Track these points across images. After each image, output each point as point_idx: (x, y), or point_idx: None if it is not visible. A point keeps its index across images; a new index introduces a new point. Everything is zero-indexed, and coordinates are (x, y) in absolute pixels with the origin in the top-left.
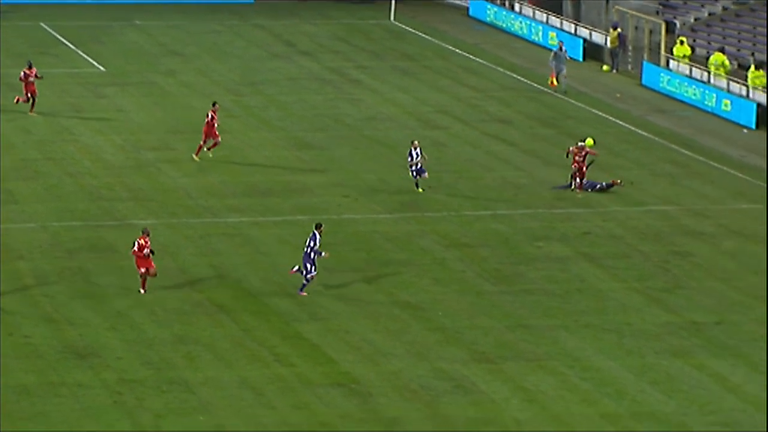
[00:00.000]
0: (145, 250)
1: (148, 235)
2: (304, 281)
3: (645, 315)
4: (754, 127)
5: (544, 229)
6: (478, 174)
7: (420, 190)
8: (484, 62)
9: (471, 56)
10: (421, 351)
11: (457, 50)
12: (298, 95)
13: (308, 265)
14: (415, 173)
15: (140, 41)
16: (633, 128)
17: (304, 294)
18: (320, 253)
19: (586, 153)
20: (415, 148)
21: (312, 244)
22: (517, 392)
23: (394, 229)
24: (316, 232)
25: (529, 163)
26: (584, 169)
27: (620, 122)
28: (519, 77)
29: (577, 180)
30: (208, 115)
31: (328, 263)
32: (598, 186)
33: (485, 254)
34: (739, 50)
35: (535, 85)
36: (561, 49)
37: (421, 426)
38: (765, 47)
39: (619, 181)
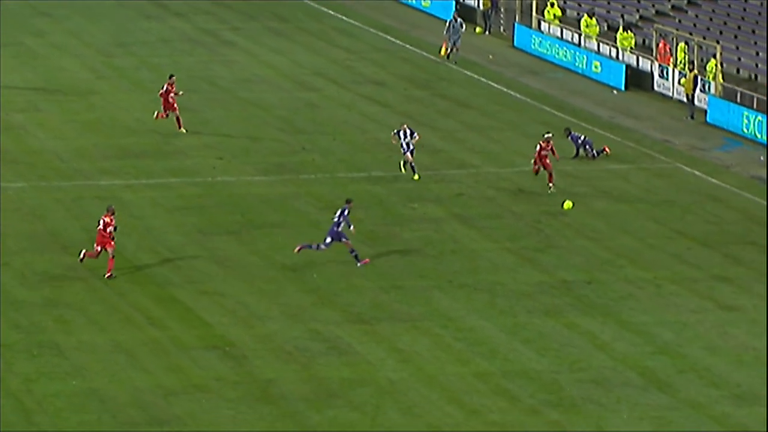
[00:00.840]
0: (109, 228)
1: (113, 214)
2: (352, 252)
3: (517, 275)
4: (623, 88)
5: (418, 190)
6: (352, 136)
7: (416, 177)
8: (358, 24)
9: (345, 18)
10: (296, 313)
11: (330, 12)
12: (171, 57)
13: (330, 238)
14: (404, 152)
15: (9, 2)
16: (505, 89)
17: (367, 261)
18: (350, 225)
19: (552, 147)
20: (405, 131)
21: (340, 218)
22: (391, 353)
23: (268, 191)
24: (347, 206)
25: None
26: (547, 161)
27: (493, 84)
28: (393, 39)
29: (545, 172)
30: (163, 88)
31: (202, 226)
32: (587, 147)
33: (360, 216)
34: (609, 12)
35: (409, 47)
36: (456, 20)
37: (297, 387)
38: (634, 9)
39: (607, 149)
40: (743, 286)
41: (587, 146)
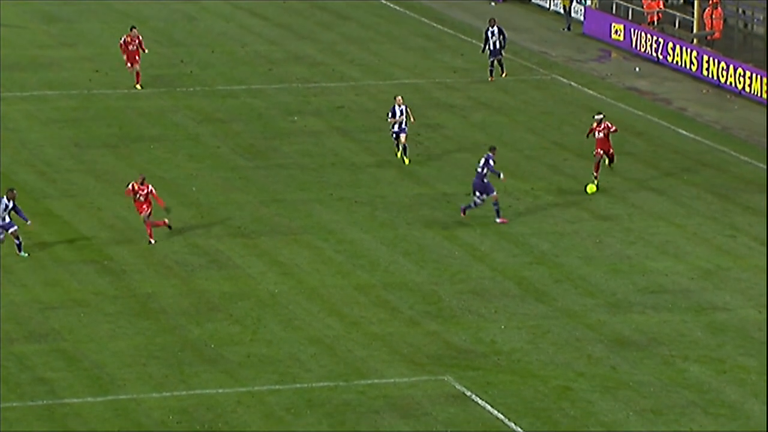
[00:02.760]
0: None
1: (142, 183)
2: (495, 205)
3: (397, 187)
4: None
5: (298, 103)
6: (231, 48)
7: (406, 161)
8: None
9: None
10: (176, 227)
11: None
12: None
13: (478, 192)
14: (395, 134)
15: None
16: (385, 2)
17: (505, 220)
18: (499, 175)
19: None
20: (399, 106)
21: (485, 168)
22: (272, 266)
23: (146, 105)
24: (490, 155)
25: (282, 36)
26: (610, 148)
27: None
28: None
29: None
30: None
31: (79, 139)
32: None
33: (239, 129)
34: None
35: None
36: None
37: (177, 301)
38: None
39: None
40: (618, 196)
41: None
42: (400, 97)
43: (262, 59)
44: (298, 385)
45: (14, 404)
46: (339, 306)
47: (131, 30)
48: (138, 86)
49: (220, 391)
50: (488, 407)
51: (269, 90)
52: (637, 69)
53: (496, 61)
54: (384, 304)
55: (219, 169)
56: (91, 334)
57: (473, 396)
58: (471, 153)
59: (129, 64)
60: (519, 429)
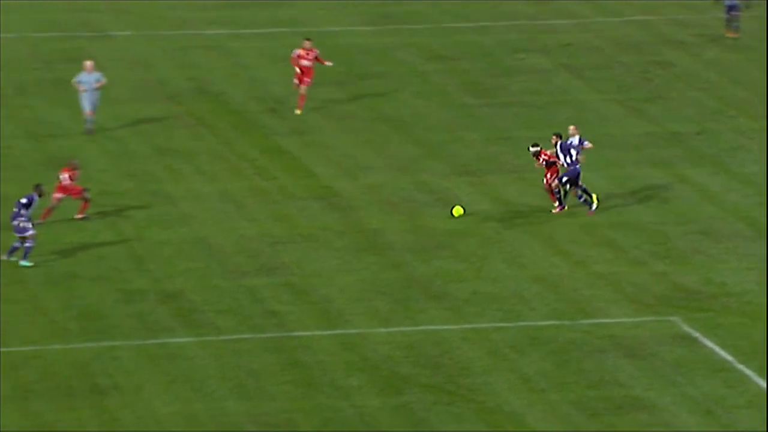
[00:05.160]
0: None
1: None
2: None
3: (625, 126)
4: None
5: (526, 40)
6: None
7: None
8: None
9: None
10: (403, 165)
11: None
12: None
13: (566, 177)
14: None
15: None
16: None
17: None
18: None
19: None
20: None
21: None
22: (497, 204)
23: (373, 42)
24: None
25: None
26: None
27: None
28: None
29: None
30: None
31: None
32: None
33: (466, 66)
34: None
35: None
36: None
37: (403, 237)
38: None
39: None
40: None
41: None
42: (575, 128)
43: None
44: (522, 323)
45: (246, 336)
46: (564, 244)
47: (305, 42)
48: (298, 111)
49: (446, 327)
50: (717, 349)
51: (496, 27)
52: None
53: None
54: (610, 243)
55: (445, 106)
56: (319, 269)
57: (701, 338)
58: (702, 92)
59: (297, 81)
60: (748, 371)
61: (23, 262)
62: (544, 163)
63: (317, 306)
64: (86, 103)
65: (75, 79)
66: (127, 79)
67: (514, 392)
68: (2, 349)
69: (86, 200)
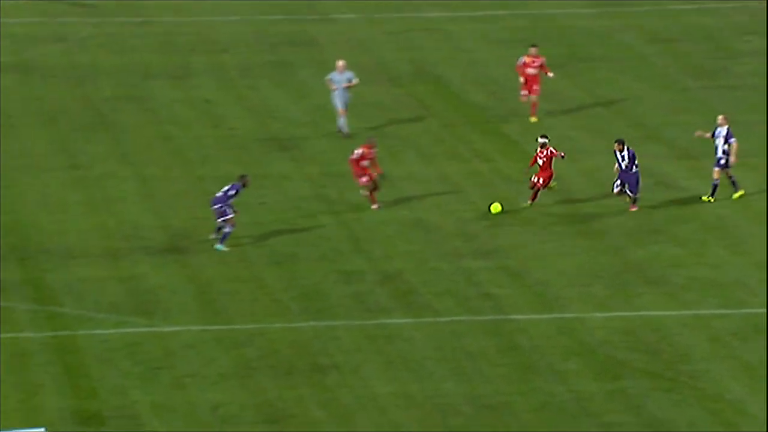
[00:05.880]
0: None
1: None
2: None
3: None
4: None
5: (754, 23)
6: None
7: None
8: None
9: None
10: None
11: None
12: None
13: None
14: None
15: None
16: None
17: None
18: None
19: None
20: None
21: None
22: (718, 189)
23: (595, 24)
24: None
25: None
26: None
27: None
28: None
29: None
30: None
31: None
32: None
33: (688, 49)
34: None
35: None
36: None
37: (620, 222)
38: None
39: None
40: None
41: None
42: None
43: None
44: (745, 311)
45: (463, 318)
46: None
47: (531, 48)
48: (533, 118)
49: (664, 313)
50: None
51: (723, 9)
52: None
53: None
54: None
55: (666, 89)
56: (536, 252)
57: None
58: None
59: (525, 92)
60: None
61: (219, 246)
62: (542, 161)
63: (534, 289)
64: (338, 102)
65: (327, 77)
66: (348, 62)
67: (736, 380)
68: (227, 327)
69: (374, 186)
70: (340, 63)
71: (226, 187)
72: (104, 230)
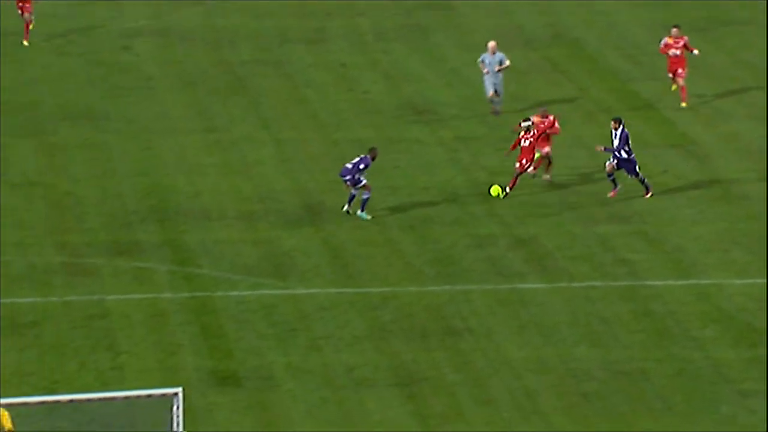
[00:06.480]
0: (525, 142)
1: (545, 117)
2: None
3: None
4: None
5: None
6: None
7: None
8: None
9: None
10: (761, 113)
11: None
12: None
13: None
14: None
15: None
16: None
17: None
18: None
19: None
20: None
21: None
22: None
23: None
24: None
25: None
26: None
27: None
28: None
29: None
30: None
31: (668, 21)
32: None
33: None
34: None
35: None
36: None
37: (759, 187)
38: None
39: None
40: None
41: None
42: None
43: None
44: None
45: (597, 283)
46: None
47: (673, 29)
48: (683, 104)
49: None
50: None
51: None
52: None
53: None
54: None
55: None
56: (673, 218)
57: None
58: None
59: (671, 75)
60: None
61: (361, 214)
62: (527, 142)
63: (670, 255)
64: (488, 85)
65: (478, 60)
66: (485, 25)
67: None
68: (361, 290)
69: (547, 159)
70: (491, 44)
71: (356, 159)
72: (240, 193)
